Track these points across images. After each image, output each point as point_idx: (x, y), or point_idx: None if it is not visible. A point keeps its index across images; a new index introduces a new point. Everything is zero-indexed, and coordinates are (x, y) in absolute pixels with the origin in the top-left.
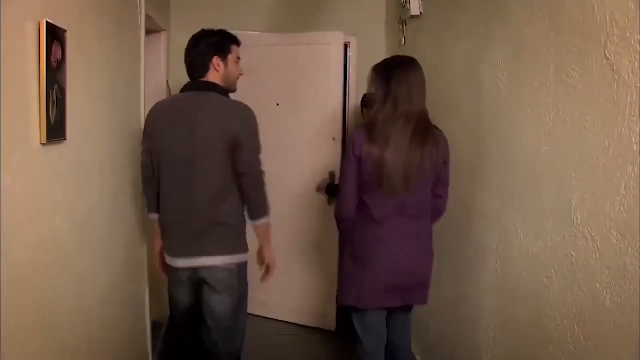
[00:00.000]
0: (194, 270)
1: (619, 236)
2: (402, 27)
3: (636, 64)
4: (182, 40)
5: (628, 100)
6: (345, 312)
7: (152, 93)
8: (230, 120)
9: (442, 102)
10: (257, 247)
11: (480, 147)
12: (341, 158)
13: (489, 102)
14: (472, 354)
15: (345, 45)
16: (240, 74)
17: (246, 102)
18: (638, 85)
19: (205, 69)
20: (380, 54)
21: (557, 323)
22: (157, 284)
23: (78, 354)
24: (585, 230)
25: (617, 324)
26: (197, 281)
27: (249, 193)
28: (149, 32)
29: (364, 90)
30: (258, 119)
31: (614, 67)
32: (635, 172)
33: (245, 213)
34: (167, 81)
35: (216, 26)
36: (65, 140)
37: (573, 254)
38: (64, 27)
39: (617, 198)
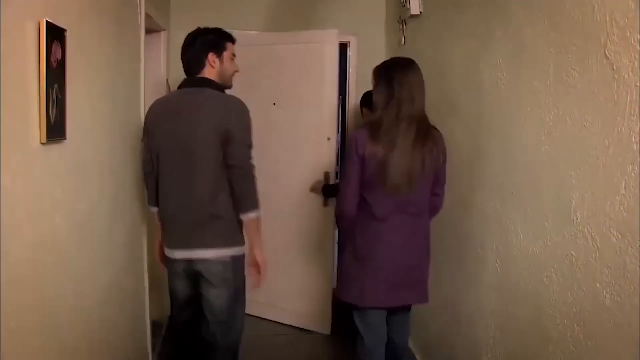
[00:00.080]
0: (190, 262)
1: (619, 236)
2: (402, 26)
3: (636, 64)
4: (182, 40)
5: (628, 99)
6: (343, 312)
7: (152, 92)
8: (224, 115)
9: (442, 102)
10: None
11: (480, 147)
12: (336, 157)
13: (489, 102)
14: (472, 353)
15: (345, 45)
16: (236, 71)
17: (243, 101)
18: (638, 84)
19: (202, 66)
20: (380, 54)
21: (557, 323)
22: (157, 284)
23: (78, 354)
24: (585, 229)
25: (617, 323)
26: (194, 274)
27: (239, 186)
28: (149, 31)
29: (364, 89)
30: (255, 119)
31: (614, 67)
32: (635, 172)
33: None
34: (167, 80)
35: (216, 26)
36: (65, 140)
37: (573, 253)
38: (64, 27)
39: (617, 197)
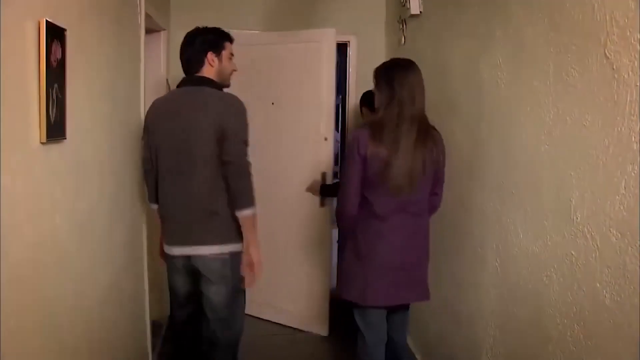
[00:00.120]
0: (188, 258)
1: (619, 235)
2: (402, 26)
3: (636, 63)
4: (181, 40)
5: (628, 99)
6: (342, 312)
7: (152, 92)
8: (221, 112)
9: (442, 102)
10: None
11: (480, 147)
12: (335, 157)
13: (488, 102)
14: (472, 353)
15: (345, 45)
16: (234, 70)
17: (242, 101)
18: (638, 84)
19: (200, 65)
20: (380, 54)
21: (557, 322)
22: (157, 284)
23: (78, 354)
24: (585, 229)
25: (617, 323)
26: (192, 270)
27: (234, 183)
28: (149, 31)
29: (364, 89)
30: (254, 119)
31: (614, 67)
32: (635, 172)
33: None
34: (167, 80)
35: (216, 25)
36: (65, 140)
37: (573, 253)
38: (64, 27)
39: (617, 197)
